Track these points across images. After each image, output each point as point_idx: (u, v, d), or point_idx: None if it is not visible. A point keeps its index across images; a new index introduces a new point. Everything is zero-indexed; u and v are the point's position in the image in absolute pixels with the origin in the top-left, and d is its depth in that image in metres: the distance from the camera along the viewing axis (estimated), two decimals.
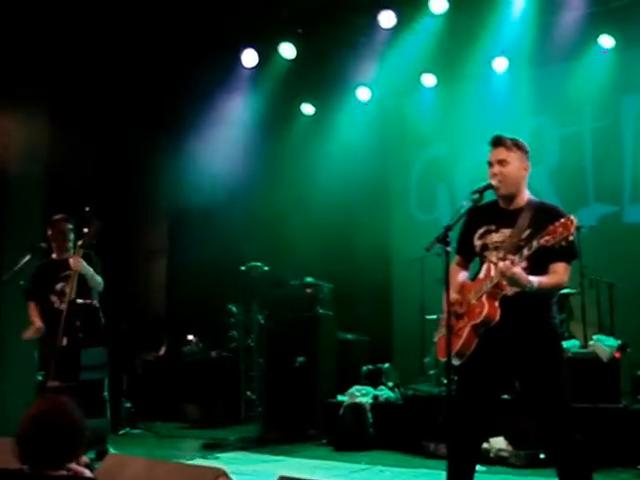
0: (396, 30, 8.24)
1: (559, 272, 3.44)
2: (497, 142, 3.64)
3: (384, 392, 7.04)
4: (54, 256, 5.93)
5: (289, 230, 9.04)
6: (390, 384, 7.27)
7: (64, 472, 2.27)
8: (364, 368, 7.57)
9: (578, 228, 3.66)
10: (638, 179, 7.59)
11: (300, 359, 7.56)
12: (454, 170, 8.80)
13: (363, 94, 9.18)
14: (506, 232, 3.55)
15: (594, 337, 6.01)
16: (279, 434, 7.24)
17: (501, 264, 3.36)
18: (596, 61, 7.81)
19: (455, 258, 3.82)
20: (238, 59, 8.89)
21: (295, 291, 7.95)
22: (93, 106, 8.56)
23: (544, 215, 3.44)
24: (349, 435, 6.69)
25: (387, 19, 8.14)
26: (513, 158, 3.59)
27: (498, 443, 5.72)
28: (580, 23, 7.63)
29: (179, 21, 8.07)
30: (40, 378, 7.06)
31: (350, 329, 8.25)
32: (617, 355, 5.69)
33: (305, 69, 8.85)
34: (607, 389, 5.59)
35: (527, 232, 3.46)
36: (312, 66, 8.80)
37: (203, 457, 6.37)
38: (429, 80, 8.86)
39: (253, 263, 8.37)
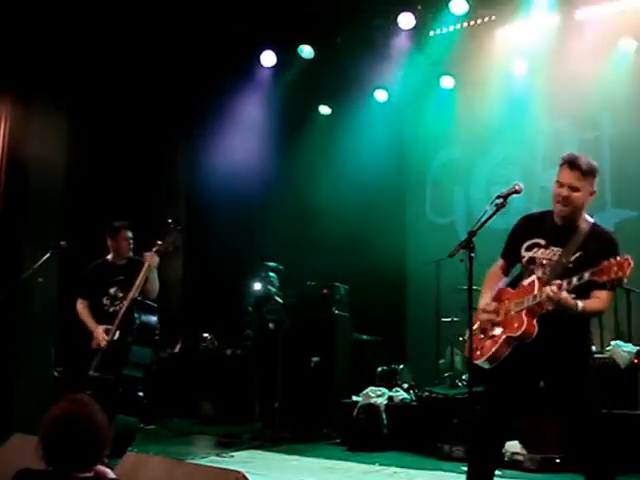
0: (415, 32, 8.24)
1: (602, 298, 3.40)
2: (574, 165, 3.48)
3: (399, 393, 7.05)
4: (109, 258, 5.85)
5: (305, 230, 9.05)
6: (405, 385, 7.27)
7: (90, 474, 2.28)
8: (379, 369, 7.58)
9: None
10: None
11: (315, 359, 7.60)
12: (470, 173, 8.79)
13: (380, 95, 9.18)
14: (555, 250, 3.50)
15: (612, 343, 5.99)
16: (293, 433, 7.25)
17: (548, 289, 3.31)
18: (616, 65, 7.74)
19: (498, 261, 3.80)
20: (257, 60, 8.91)
21: (311, 291, 7.99)
22: (111, 107, 8.60)
23: (596, 240, 3.42)
24: (363, 435, 6.71)
25: (406, 21, 8.14)
26: (584, 185, 3.48)
27: (513, 447, 5.69)
28: (600, 26, 7.59)
29: (199, 23, 8.11)
30: (56, 374, 7.16)
31: (365, 330, 8.28)
32: (636, 361, 5.67)
33: (323, 70, 8.88)
34: (625, 395, 5.57)
35: (577, 255, 3.42)
36: (330, 67, 8.82)
37: (218, 455, 6.37)
38: (447, 82, 8.85)
39: (269, 263, 8.38)
